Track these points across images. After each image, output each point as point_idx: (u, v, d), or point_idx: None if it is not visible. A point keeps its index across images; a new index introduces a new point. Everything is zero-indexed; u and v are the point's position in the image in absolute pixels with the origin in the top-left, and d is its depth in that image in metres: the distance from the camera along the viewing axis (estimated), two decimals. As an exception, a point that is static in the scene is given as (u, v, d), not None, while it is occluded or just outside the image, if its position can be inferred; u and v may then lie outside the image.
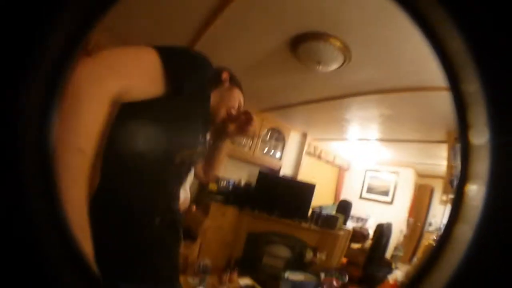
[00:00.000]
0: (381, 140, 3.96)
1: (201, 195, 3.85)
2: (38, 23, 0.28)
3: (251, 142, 4.16)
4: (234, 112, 0.90)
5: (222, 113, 0.88)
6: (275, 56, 2.81)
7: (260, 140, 4.20)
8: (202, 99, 0.80)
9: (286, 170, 4.36)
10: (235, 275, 2.94)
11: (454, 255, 0.29)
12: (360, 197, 5.14)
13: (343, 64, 2.57)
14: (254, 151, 4.17)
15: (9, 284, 0.28)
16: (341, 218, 3.63)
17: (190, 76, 0.68)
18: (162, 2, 2.43)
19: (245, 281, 3.01)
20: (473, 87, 0.28)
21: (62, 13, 0.28)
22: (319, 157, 4.80)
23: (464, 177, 0.30)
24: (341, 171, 5.29)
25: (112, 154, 0.67)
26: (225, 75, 0.90)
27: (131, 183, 0.67)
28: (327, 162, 5.02)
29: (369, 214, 4.70)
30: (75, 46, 0.31)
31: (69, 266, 0.31)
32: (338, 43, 2.40)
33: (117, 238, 0.65)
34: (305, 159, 4.54)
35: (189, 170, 0.84)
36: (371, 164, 5.05)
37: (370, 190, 5.09)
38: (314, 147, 4.73)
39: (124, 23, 2.41)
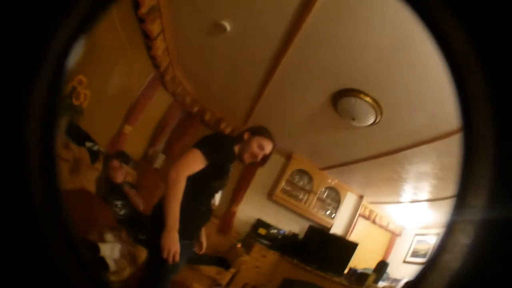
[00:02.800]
0: (431, 200, 3.65)
1: (249, 236, 4.10)
2: (41, 23, 0.27)
3: (308, 197, 4.34)
4: (255, 154, 1.46)
5: (246, 157, 1.47)
6: (322, 113, 2.96)
7: (316, 197, 4.34)
8: (230, 159, 1.48)
9: (337, 229, 4.30)
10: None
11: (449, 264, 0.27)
12: (404, 261, 4.61)
13: (377, 118, 2.70)
14: (309, 207, 4.30)
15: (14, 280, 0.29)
16: (372, 276, 3.62)
17: (217, 153, 1.41)
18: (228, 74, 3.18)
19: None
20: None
21: (65, 13, 0.28)
22: (373, 221, 4.63)
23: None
24: (393, 237, 5.05)
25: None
26: (245, 135, 1.49)
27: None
28: (381, 227, 4.83)
29: (404, 276, 4.12)
30: (74, 44, 0.31)
31: (72, 262, 0.32)
32: (368, 98, 2.61)
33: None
34: (359, 222, 4.42)
35: (220, 189, 1.55)
36: (420, 228, 4.64)
37: (414, 253, 4.61)
38: (370, 211, 4.60)
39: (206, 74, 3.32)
